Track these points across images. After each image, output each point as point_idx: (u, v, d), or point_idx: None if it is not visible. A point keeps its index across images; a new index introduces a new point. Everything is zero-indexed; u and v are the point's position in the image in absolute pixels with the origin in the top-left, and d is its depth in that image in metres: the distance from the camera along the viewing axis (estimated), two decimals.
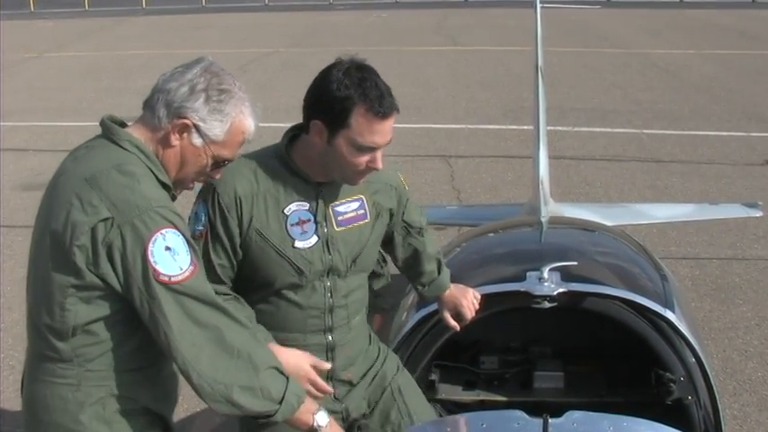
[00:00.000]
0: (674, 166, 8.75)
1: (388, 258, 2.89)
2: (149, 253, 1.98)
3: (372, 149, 2.26)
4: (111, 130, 2.13)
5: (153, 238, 1.99)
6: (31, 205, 7.29)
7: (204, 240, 2.31)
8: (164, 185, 2.12)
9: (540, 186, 4.06)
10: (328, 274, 2.41)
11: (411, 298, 3.15)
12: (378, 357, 2.62)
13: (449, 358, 3.03)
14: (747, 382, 4.64)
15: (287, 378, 2.12)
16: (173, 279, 2.00)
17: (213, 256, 2.32)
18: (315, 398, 2.28)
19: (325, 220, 2.39)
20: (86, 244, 1.98)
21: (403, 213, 2.62)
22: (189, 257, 2.03)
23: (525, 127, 9.42)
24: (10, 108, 11.84)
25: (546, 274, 2.77)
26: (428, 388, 2.86)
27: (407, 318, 3.01)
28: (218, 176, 2.26)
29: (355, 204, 2.45)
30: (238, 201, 2.30)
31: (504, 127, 10.42)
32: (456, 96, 12.30)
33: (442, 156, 9.06)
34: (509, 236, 3.84)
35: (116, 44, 19.23)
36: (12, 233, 7.07)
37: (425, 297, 2.80)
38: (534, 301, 2.76)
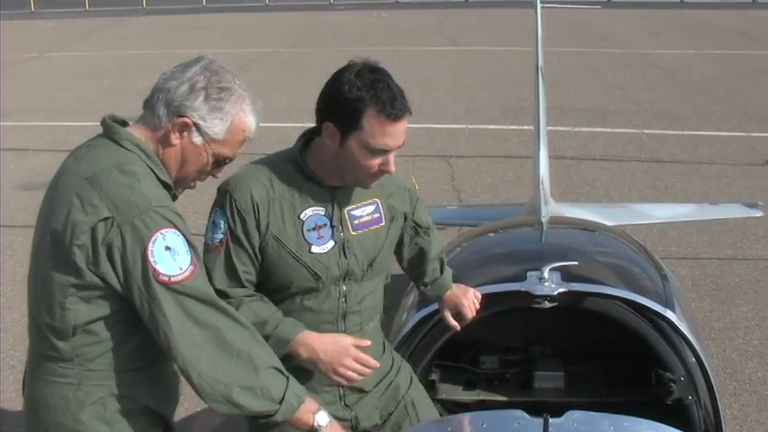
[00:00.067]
0: (674, 166, 8.75)
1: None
2: (149, 253, 1.98)
3: (385, 152, 2.24)
4: (112, 129, 2.13)
5: (153, 238, 1.99)
6: (32, 205, 7.31)
7: (225, 247, 2.29)
8: (164, 185, 2.13)
9: (541, 186, 4.06)
10: (344, 278, 2.39)
11: (411, 298, 3.15)
12: (392, 367, 2.61)
13: (449, 358, 3.03)
14: (747, 382, 4.64)
15: (287, 378, 2.12)
16: (172, 279, 2.00)
17: (236, 262, 2.30)
18: (360, 374, 2.29)
19: (341, 225, 2.37)
20: (86, 243, 1.98)
21: (413, 214, 2.61)
22: (189, 257, 2.03)
23: (525, 127, 9.43)
24: (10, 108, 11.84)
25: (546, 274, 2.78)
26: (428, 388, 2.86)
27: (408, 318, 3.01)
28: (219, 175, 2.25)
29: (370, 208, 2.44)
30: (255, 206, 2.28)
31: (504, 127, 10.42)
32: (456, 96, 12.31)
33: (442, 156, 9.06)
34: (509, 236, 3.84)
35: (117, 44, 19.24)
36: (12, 233, 7.07)
37: (427, 296, 2.80)
38: (535, 301, 2.76)
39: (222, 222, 2.30)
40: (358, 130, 2.21)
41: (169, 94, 2.11)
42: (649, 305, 2.80)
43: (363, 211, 2.42)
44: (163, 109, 2.11)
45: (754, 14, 23.38)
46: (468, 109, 11.50)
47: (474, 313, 2.73)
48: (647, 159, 8.99)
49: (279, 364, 2.13)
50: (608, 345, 3.11)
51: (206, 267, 2.25)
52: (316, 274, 2.34)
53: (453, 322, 2.72)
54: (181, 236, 2.04)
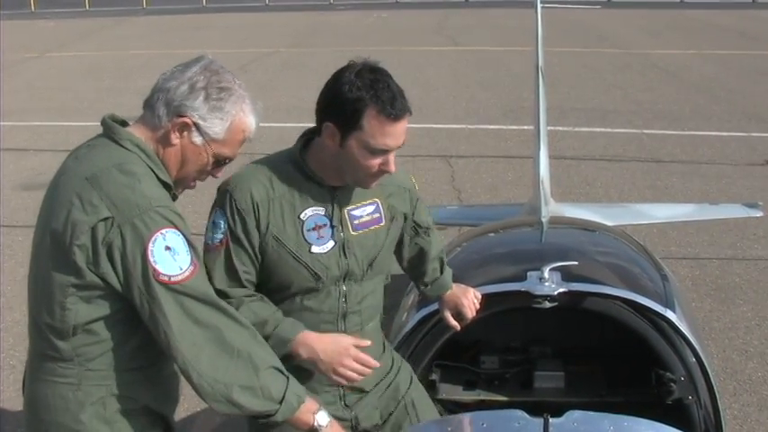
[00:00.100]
0: (674, 166, 8.76)
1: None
2: (149, 253, 1.98)
3: (384, 152, 2.24)
4: (112, 129, 2.13)
5: (153, 238, 1.99)
6: (32, 205, 7.30)
7: (225, 247, 2.29)
8: (165, 185, 2.12)
9: (541, 186, 4.06)
10: (344, 278, 2.39)
11: (411, 298, 3.15)
12: (392, 367, 2.61)
13: (449, 358, 3.03)
14: (748, 382, 4.64)
15: (287, 378, 2.12)
16: (172, 279, 2.00)
17: (236, 262, 2.29)
18: (360, 375, 2.28)
19: (341, 225, 2.37)
20: (86, 243, 1.98)
21: (413, 214, 2.61)
22: (189, 257, 2.03)
23: (525, 127, 9.43)
24: (10, 108, 11.84)
25: (546, 274, 2.77)
26: (429, 388, 2.86)
27: (408, 318, 3.01)
28: (219, 175, 2.25)
29: (370, 208, 2.44)
30: (255, 206, 2.28)
31: (504, 127, 10.43)
32: (456, 96, 12.31)
33: (442, 156, 9.06)
34: (509, 236, 3.84)
35: (117, 44, 19.25)
36: (12, 233, 7.07)
37: (427, 296, 2.80)
38: (535, 301, 2.76)
39: (222, 222, 2.30)
40: (358, 130, 2.20)
41: (169, 94, 2.11)
42: (649, 305, 2.80)
43: (363, 211, 2.42)
44: (163, 109, 2.11)
45: (754, 14, 23.38)
46: (469, 109, 11.50)
47: (474, 313, 2.73)
48: (647, 159, 8.99)
49: (279, 364, 2.13)
50: (608, 345, 3.11)
51: (206, 267, 2.25)
52: (316, 274, 2.34)
53: (453, 322, 2.72)
54: (181, 236, 2.03)
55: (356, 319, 2.44)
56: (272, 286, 2.36)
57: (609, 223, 4.33)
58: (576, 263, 2.95)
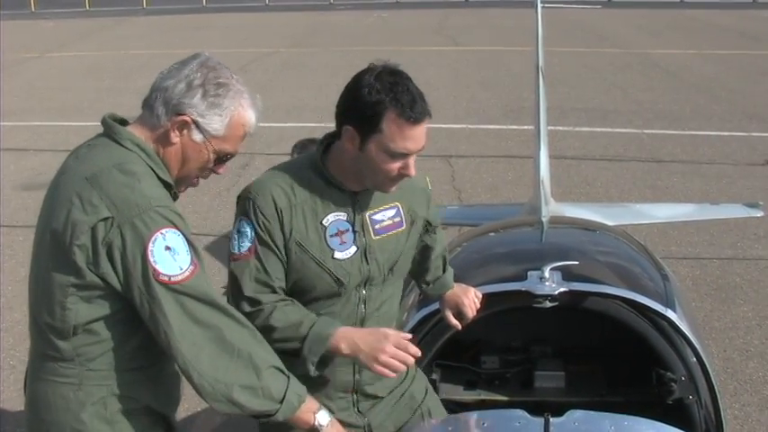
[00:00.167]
0: (674, 166, 8.76)
1: None
2: (149, 253, 1.98)
3: (404, 155, 2.22)
4: (112, 128, 2.13)
5: (153, 238, 1.98)
6: (32, 205, 7.30)
7: (255, 255, 2.27)
8: (165, 184, 2.12)
9: (541, 186, 4.06)
10: (365, 284, 2.38)
11: (412, 298, 3.15)
12: (406, 375, 2.58)
13: (450, 358, 3.03)
14: (748, 381, 4.64)
15: (288, 377, 2.12)
16: (172, 279, 2.00)
17: (268, 268, 2.28)
18: (404, 364, 2.21)
19: (363, 230, 2.36)
20: (86, 243, 1.98)
21: (427, 214, 2.60)
22: (189, 257, 2.03)
23: (526, 127, 9.43)
24: (10, 108, 11.85)
25: (547, 274, 2.77)
26: None
27: (408, 317, 3.00)
28: (221, 171, 2.24)
29: (391, 212, 2.42)
30: (279, 212, 2.27)
31: (504, 127, 10.43)
32: (457, 96, 12.31)
33: (442, 156, 9.06)
34: (510, 235, 3.84)
35: (117, 44, 19.25)
36: (12, 233, 7.07)
37: (429, 295, 2.80)
38: (535, 301, 2.76)
39: (249, 230, 2.28)
40: (378, 134, 2.18)
41: (167, 93, 2.10)
42: (650, 305, 2.80)
43: (384, 215, 2.41)
44: (161, 108, 2.10)
45: (754, 14, 23.38)
46: (469, 109, 11.50)
47: (475, 313, 2.72)
48: (647, 159, 8.99)
49: (279, 364, 2.13)
50: (609, 344, 3.11)
51: (234, 276, 2.25)
52: (338, 279, 2.33)
53: (454, 322, 2.72)
54: (181, 236, 2.03)
55: (374, 324, 2.41)
56: (293, 291, 2.34)
57: (609, 223, 4.33)
58: (576, 262, 2.95)
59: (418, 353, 2.27)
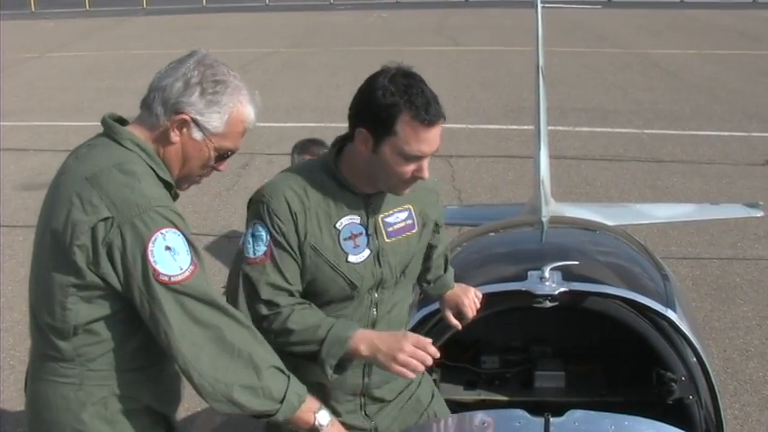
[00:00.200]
0: (674, 166, 8.76)
1: None
2: (149, 253, 1.98)
3: (419, 158, 2.21)
4: (112, 128, 2.13)
5: (153, 238, 1.98)
6: (32, 205, 7.29)
7: (271, 259, 2.26)
8: (166, 184, 2.12)
9: (541, 186, 4.06)
10: (377, 287, 2.38)
11: (412, 298, 3.15)
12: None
13: (450, 358, 3.03)
14: (748, 381, 4.64)
15: (288, 377, 2.12)
16: (173, 279, 2.00)
17: (284, 271, 2.26)
18: (421, 362, 2.18)
19: (376, 232, 2.35)
20: (87, 243, 1.98)
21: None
22: (189, 257, 2.03)
23: (526, 127, 9.43)
24: (10, 108, 11.85)
25: (547, 274, 2.77)
26: None
27: (409, 317, 3.00)
28: (222, 168, 2.23)
29: (403, 215, 2.42)
30: (294, 215, 2.25)
31: (504, 127, 10.43)
32: (457, 96, 12.30)
33: (442, 156, 9.04)
34: (510, 235, 3.84)
35: (117, 44, 19.25)
36: (12, 233, 7.07)
37: (429, 295, 2.80)
38: (535, 301, 2.76)
39: (264, 234, 2.26)
40: (392, 136, 2.17)
41: (165, 93, 2.09)
42: (650, 305, 2.80)
43: (397, 218, 2.40)
44: (160, 108, 2.10)
45: (754, 14, 23.38)
46: (469, 109, 11.49)
47: (475, 313, 2.72)
48: (647, 159, 8.99)
49: (280, 364, 2.12)
50: (609, 344, 3.11)
51: (249, 280, 2.25)
52: (352, 283, 2.32)
53: (454, 321, 2.71)
54: (181, 235, 2.03)
55: (384, 327, 2.40)
56: (306, 294, 2.33)
57: (609, 223, 4.33)
58: (576, 262, 2.95)
59: (437, 354, 2.25)
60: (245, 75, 2.18)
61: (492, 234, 3.80)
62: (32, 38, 20.67)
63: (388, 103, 2.16)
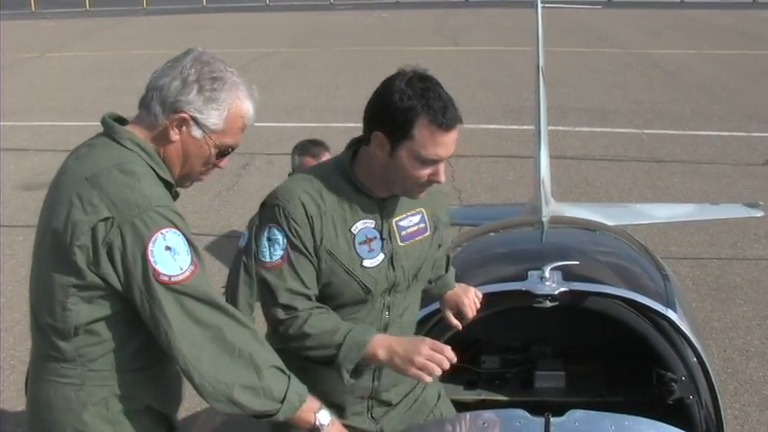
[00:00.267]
0: (674, 166, 8.76)
1: None
2: (149, 253, 1.98)
3: (435, 162, 2.20)
4: (112, 128, 2.12)
5: (153, 238, 1.98)
6: (32, 205, 7.30)
7: (288, 262, 2.25)
8: (166, 183, 2.12)
9: (541, 186, 4.06)
10: (390, 290, 2.37)
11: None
12: (419, 381, 2.56)
13: None
14: (748, 381, 4.64)
15: (288, 377, 2.12)
16: (173, 279, 2.00)
17: (302, 275, 2.26)
18: (438, 365, 2.18)
19: (390, 236, 2.34)
20: (87, 244, 1.98)
21: None
22: (189, 257, 2.02)
23: (526, 127, 9.43)
24: (10, 108, 11.85)
25: (547, 274, 2.77)
26: None
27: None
28: (223, 165, 2.23)
29: (416, 218, 2.41)
30: (310, 219, 2.24)
31: (504, 127, 10.43)
32: (457, 96, 11.91)
33: None
34: (510, 235, 3.84)
35: (117, 44, 19.25)
36: (12, 233, 7.07)
37: (429, 294, 2.80)
38: (536, 301, 2.76)
39: (281, 237, 2.25)
40: (409, 140, 2.16)
41: (162, 92, 2.09)
42: (650, 305, 2.80)
43: (410, 221, 2.40)
44: (158, 107, 2.10)
45: (754, 14, 23.38)
46: (469, 109, 11.46)
47: (475, 312, 2.72)
48: (647, 159, 8.99)
49: (280, 363, 2.12)
50: (609, 344, 3.11)
51: (269, 285, 2.24)
52: (366, 287, 2.31)
53: (454, 321, 2.71)
54: (181, 235, 2.03)
55: (396, 331, 2.40)
56: (319, 297, 2.33)
57: (609, 223, 4.33)
58: (576, 262, 2.95)
59: (454, 358, 2.24)
60: (245, 75, 2.18)
61: (492, 234, 3.80)
62: (32, 38, 20.68)
63: (405, 106, 2.14)
